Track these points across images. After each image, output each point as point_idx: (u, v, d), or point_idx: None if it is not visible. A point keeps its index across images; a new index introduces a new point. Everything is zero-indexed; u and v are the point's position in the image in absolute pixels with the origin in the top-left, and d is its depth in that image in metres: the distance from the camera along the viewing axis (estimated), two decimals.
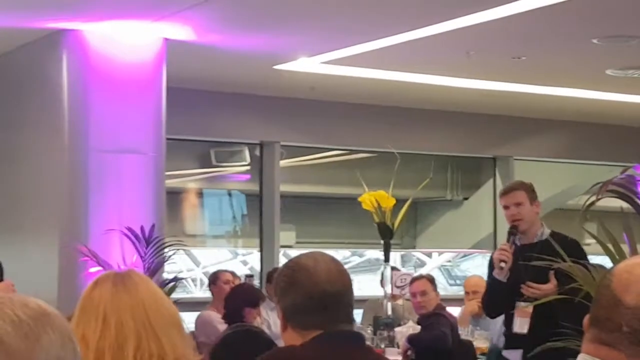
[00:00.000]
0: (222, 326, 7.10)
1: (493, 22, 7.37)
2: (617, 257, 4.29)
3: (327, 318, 2.73)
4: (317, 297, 2.72)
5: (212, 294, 8.51)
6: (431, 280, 7.38)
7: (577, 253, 5.06)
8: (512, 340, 5.71)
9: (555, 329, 4.55)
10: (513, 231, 5.61)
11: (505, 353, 5.94)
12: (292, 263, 2.85)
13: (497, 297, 5.65)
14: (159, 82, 7.92)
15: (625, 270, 1.72)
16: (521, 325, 5.48)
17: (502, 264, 5.47)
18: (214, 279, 8.54)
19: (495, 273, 5.56)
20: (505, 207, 5.68)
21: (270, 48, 8.38)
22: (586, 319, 1.75)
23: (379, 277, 9.26)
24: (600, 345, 1.70)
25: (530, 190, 5.68)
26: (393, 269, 8.26)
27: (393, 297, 7.78)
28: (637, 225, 4.68)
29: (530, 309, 5.41)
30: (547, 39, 8.10)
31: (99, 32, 7.71)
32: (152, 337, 2.37)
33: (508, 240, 5.58)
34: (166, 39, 7.92)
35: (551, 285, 5.24)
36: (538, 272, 5.16)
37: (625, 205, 4.65)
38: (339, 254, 13.00)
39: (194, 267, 12.87)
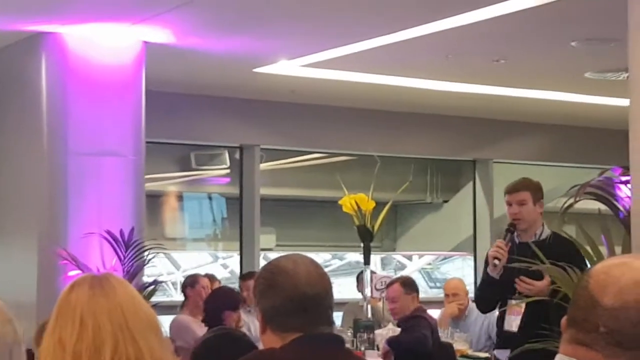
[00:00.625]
0: (200, 330, 7.07)
1: (472, 25, 7.40)
2: (595, 259, 4.32)
3: (306, 320, 2.73)
4: (296, 299, 2.72)
5: (187, 297, 8.33)
6: (406, 283, 7.27)
7: (572, 254, 5.02)
8: (503, 339, 5.69)
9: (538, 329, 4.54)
10: (511, 229, 5.61)
11: (496, 353, 5.94)
12: (272, 265, 2.84)
13: (488, 293, 5.64)
14: (139, 84, 7.90)
15: (602, 272, 1.73)
16: (511, 323, 5.47)
17: (496, 261, 5.47)
18: (193, 282, 8.43)
19: (489, 269, 5.56)
20: (508, 204, 5.69)
21: (250, 51, 8.38)
22: (564, 320, 1.76)
23: (359, 279, 9.29)
24: (577, 346, 1.71)
25: (535, 190, 5.66)
26: (363, 272, 8.27)
27: (373, 300, 7.78)
28: (615, 227, 4.70)
29: (522, 307, 5.40)
30: (526, 41, 8.13)
31: (78, 34, 7.69)
32: (129, 340, 2.36)
33: (504, 238, 5.57)
34: (145, 42, 7.91)
35: (545, 282, 5.22)
36: (532, 270, 5.15)
37: (603, 207, 4.68)
38: (320, 256, 13.01)
39: (174, 270, 12.84)
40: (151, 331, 2.42)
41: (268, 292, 2.76)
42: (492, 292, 5.59)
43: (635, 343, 1.64)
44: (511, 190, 5.69)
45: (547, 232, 5.56)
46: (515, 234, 5.62)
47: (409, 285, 7.25)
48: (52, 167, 7.65)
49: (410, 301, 7.12)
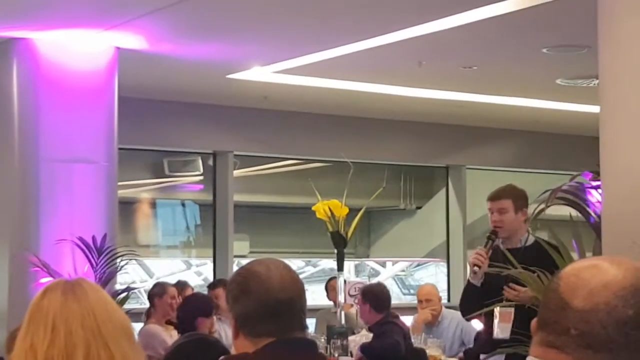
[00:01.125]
0: (170, 339, 7.05)
1: (444, 32, 7.42)
2: (566, 264, 4.33)
3: (279, 326, 2.72)
4: (269, 304, 2.72)
5: (154, 306, 8.15)
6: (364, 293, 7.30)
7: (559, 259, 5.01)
8: (492, 345, 5.66)
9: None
10: (492, 237, 5.61)
11: (483, 358, 5.91)
12: (244, 270, 2.84)
13: (471, 300, 5.62)
14: (111, 90, 7.88)
15: (572, 274, 1.73)
16: (503, 330, 5.44)
17: (475, 268, 5.47)
18: (161, 292, 8.21)
19: (470, 277, 5.57)
20: (490, 211, 5.70)
21: (222, 57, 8.37)
22: (534, 322, 1.76)
23: (331, 286, 9.28)
24: (548, 348, 1.71)
25: (518, 198, 5.65)
26: (332, 279, 8.25)
27: (346, 306, 7.78)
28: (585, 232, 4.73)
29: (512, 313, 5.38)
30: (497, 48, 8.17)
31: (49, 40, 7.65)
32: (101, 345, 2.35)
33: (486, 245, 5.57)
34: (118, 48, 7.89)
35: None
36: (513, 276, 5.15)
37: (574, 213, 4.70)
38: (293, 263, 12.98)
39: (147, 278, 12.78)
40: (124, 337, 2.41)
41: (241, 297, 2.75)
42: (475, 299, 5.58)
43: (606, 345, 1.65)
44: (493, 197, 5.70)
45: (532, 239, 5.56)
46: (501, 240, 5.63)
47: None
48: (23, 173, 7.61)
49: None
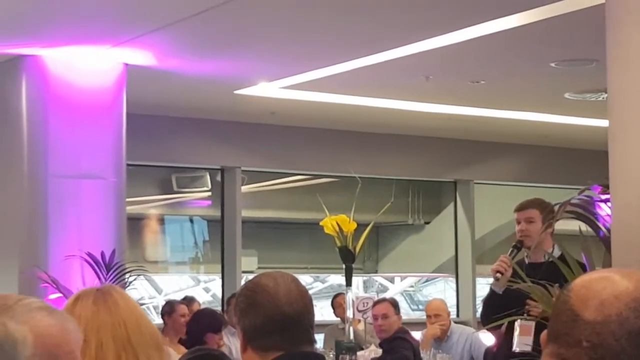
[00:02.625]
0: (176, 355, 7.01)
1: (451, 47, 7.43)
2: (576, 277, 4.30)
3: (287, 339, 2.72)
4: (277, 318, 2.71)
5: (166, 324, 8.15)
6: (394, 303, 7.39)
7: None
8: (505, 358, 5.64)
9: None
10: (518, 245, 5.60)
11: None
12: (252, 284, 2.83)
13: (492, 309, 5.59)
14: (119, 106, 7.89)
15: (582, 286, 1.72)
16: (523, 343, 5.41)
17: (498, 275, 5.46)
18: (171, 310, 8.23)
19: (493, 284, 5.55)
20: (517, 222, 5.69)
21: (230, 73, 8.38)
22: (544, 335, 1.75)
23: (338, 302, 9.27)
24: None
25: (544, 210, 5.65)
26: (337, 296, 8.23)
27: (354, 322, 7.76)
28: (595, 247, 4.71)
29: (532, 327, 5.34)
30: (505, 63, 8.17)
31: (58, 57, 7.68)
32: (131, 356, 2.36)
33: (510, 254, 5.56)
34: (126, 64, 7.91)
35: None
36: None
37: (584, 228, 4.68)
38: (301, 279, 12.92)
39: (156, 294, 12.79)
40: (153, 347, 2.41)
41: (249, 311, 2.75)
42: (497, 307, 5.54)
43: (618, 357, 1.64)
44: (520, 207, 5.70)
45: (557, 252, 5.52)
46: (525, 254, 5.61)
47: (396, 305, 7.34)
48: (32, 189, 7.63)
49: (397, 321, 7.18)
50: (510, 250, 5.59)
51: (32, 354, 1.18)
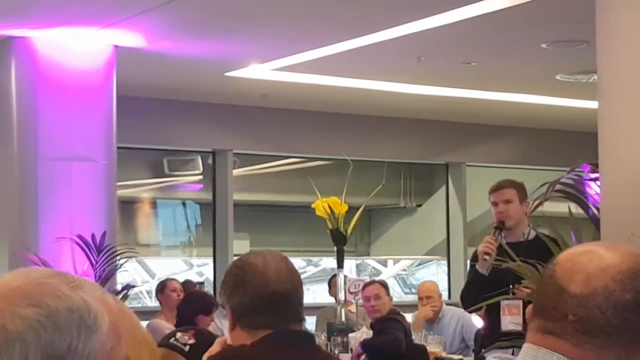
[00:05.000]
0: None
1: (443, 28, 7.41)
2: None
3: (276, 318, 2.71)
4: (266, 297, 2.71)
5: (160, 302, 8.43)
6: (384, 285, 7.40)
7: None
8: (493, 338, 5.63)
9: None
10: (500, 226, 5.61)
11: (484, 352, 5.87)
12: (241, 262, 2.83)
13: (477, 291, 5.60)
14: (109, 88, 7.87)
15: (568, 260, 1.72)
16: (512, 323, 5.40)
17: (486, 256, 5.47)
18: (162, 287, 8.46)
19: (478, 265, 5.55)
20: (494, 204, 5.69)
21: (221, 55, 8.36)
22: (529, 309, 1.75)
23: (331, 284, 9.29)
24: (545, 335, 1.70)
25: (520, 189, 5.67)
26: (335, 276, 8.24)
27: (346, 304, 7.77)
28: (585, 229, 4.71)
29: (520, 306, 5.34)
30: (496, 44, 8.15)
31: (47, 39, 7.65)
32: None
33: (494, 234, 5.56)
34: (116, 46, 7.88)
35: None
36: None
37: (574, 209, 4.68)
38: (294, 262, 12.97)
39: (149, 278, 12.79)
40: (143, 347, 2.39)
41: (238, 289, 2.74)
42: (481, 290, 5.55)
43: (604, 330, 1.64)
44: (496, 188, 5.70)
45: (533, 233, 5.54)
46: (502, 235, 5.62)
47: (386, 286, 7.37)
48: (22, 172, 7.61)
49: (389, 301, 7.19)
50: (493, 231, 5.60)
51: (107, 329, 1.21)
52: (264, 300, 2.71)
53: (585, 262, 1.70)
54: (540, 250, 4.69)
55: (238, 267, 2.80)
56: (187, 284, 9.01)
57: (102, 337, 1.20)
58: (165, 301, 8.27)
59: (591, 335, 1.65)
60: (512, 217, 5.57)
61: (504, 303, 5.38)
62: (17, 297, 1.19)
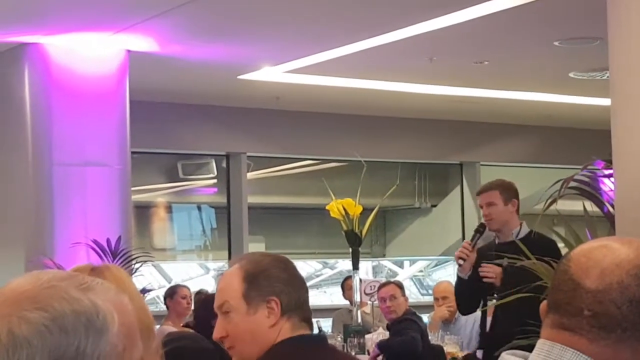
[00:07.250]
0: None
1: (455, 27, 7.40)
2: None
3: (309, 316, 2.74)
4: (305, 293, 2.73)
5: (168, 307, 8.30)
6: (400, 285, 7.39)
7: (552, 253, 4.99)
8: (485, 339, 5.69)
9: (520, 326, 4.52)
10: (480, 229, 5.62)
11: (478, 353, 5.95)
12: (274, 256, 2.79)
13: (462, 295, 5.68)
14: (122, 93, 7.89)
15: (582, 255, 1.71)
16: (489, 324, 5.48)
17: (460, 261, 5.52)
18: (172, 292, 8.33)
19: (458, 270, 5.61)
20: (480, 206, 5.71)
21: (233, 58, 8.37)
22: (543, 305, 1.74)
23: (348, 285, 9.27)
24: (560, 330, 1.69)
25: (505, 190, 5.64)
26: (348, 278, 8.24)
27: (361, 305, 7.77)
28: (600, 226, 4.70)
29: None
30: (509, 42, 8.14)
31: (60, 45, 7.67)
32: None
33: (472, 239, 5.59)
34: (129, 51, 7.90)
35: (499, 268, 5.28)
36: (511, 270, 5.14)
37: (588, 206, 4.67)
38: (309, 265, 12.98)
39: (166, 283, 12.79)
40: (143, 337, 2.38)
41: (294, 282, 2.69)
42: (466, 293, 5.61)
43: (620, 325, 1.63)
44: (480, 191, 5.73)
45: (525, 230, 5.53)
46: (495, 235, 5.63)
47: (402, 287, 7.37)
48: (37, 177, 7.64)
49: (404, 302, 7.19)
50: (472, 235, 5.62)
51: (117, 330, 1.21)
52: (305, 296, 2.72)
53: (600, 257, 1.69)
54: (533, 248, 4.68)
55: (281, 261, 2.75)
56: (199, 293, 8.96)
57: (112, 339, 1.19)
58: (173, 307, 8.18)
59: (607, 330, 1.64)
60: (495, 220, 5.56)
61: (489, 303, 5.42)
62: (25, 300, 1.19)
